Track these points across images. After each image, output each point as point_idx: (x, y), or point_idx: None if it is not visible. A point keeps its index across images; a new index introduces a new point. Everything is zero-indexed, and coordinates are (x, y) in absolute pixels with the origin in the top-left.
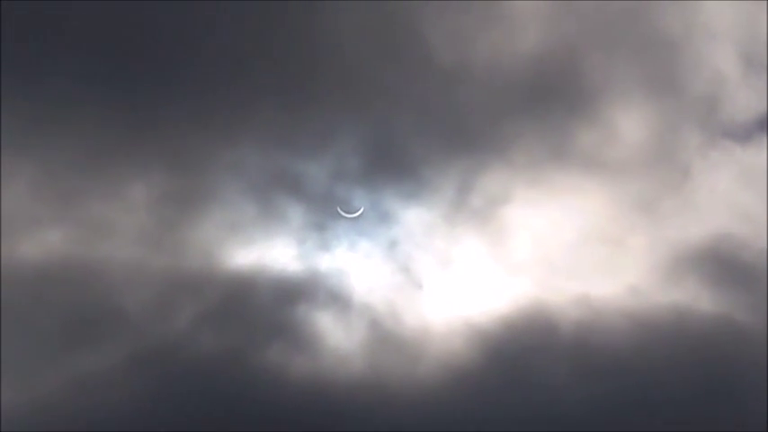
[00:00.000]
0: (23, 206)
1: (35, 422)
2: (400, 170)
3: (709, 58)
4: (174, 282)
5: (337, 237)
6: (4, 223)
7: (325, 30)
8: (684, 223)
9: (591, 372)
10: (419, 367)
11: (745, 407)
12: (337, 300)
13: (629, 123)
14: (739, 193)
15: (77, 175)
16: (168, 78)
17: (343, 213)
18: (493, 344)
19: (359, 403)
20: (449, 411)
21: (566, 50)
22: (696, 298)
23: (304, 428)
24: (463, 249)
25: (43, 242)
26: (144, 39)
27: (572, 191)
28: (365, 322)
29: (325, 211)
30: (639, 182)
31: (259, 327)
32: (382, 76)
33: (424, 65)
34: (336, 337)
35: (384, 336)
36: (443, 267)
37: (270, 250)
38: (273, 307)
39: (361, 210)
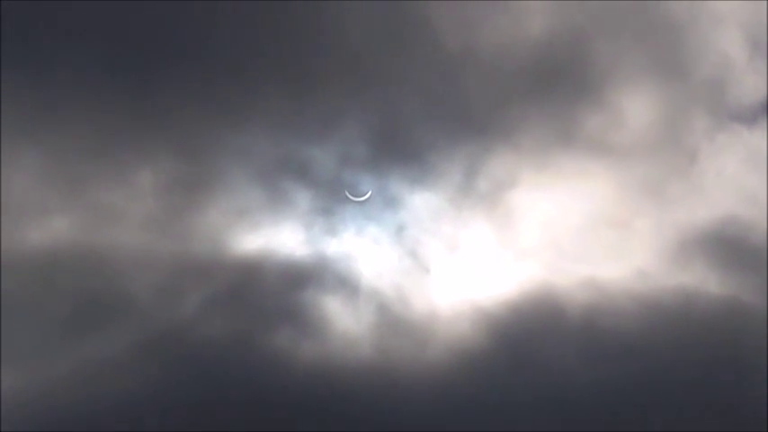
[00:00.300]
0: (31, 193)
1: (43, 408)
2: (407, 155)
3: (716, 42)
4: (182, 267)
5: (344, 222)
6: (12, 210)
7: (331, 16)
8: (691, 206)
9: (598, 354)
10: (427, 351)
11: (753, 388)
12: (345, 284)
13: (636, 107)
14: (746, 176)
15: (84, 161)
16: (175, 65)
17: (351, 197)
18: (500, 327)
19: (367, 387)
20: (457, 395)
21: (572, 35)
22: (703, 280)
23: (312, 413)
24: (470, 234)
25: (50, 229)
26: (151, 25)
27: (579, 175)
28: (373, 307)
29: (333, 197)
30: (646, 165)
31: (267, 312)
32: (389, 61)
33: (431, 50)
34: (344, 322)
35: (392, 320)
36: (451, 252)
37: (277, 235)
38: (281, 292)
39: (369, 193)
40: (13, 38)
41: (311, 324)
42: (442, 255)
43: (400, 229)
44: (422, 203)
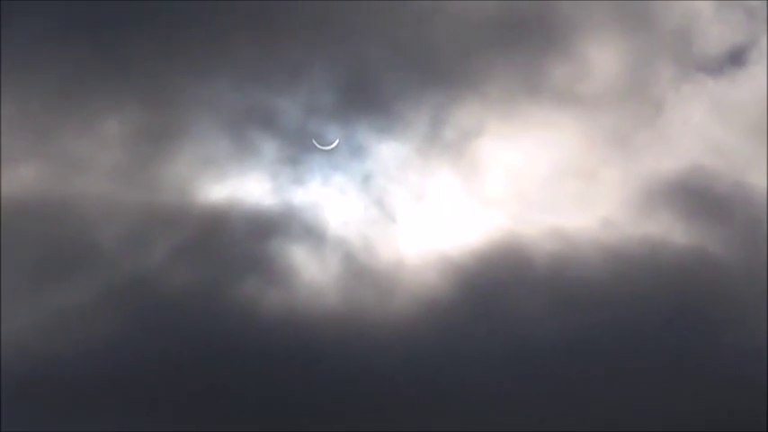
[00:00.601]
0: None
1: (9, 358)
2: (374, 105)
3: None
4: (148, 216)
5: (311, 171)
6: None
7: None
8: (657, 156)
9: (565, 304)
10: (393, 301)
11: (718, 338)
12: (311, 233)
13: (602, 57)
14: (712, 126)
15: (51, 110)
16: (141, 14)
17: (318, 146)
18: (467, 277)
19: (333, 336)
20: (423, 344)
21: None
22: (669, 230)
23: (279, 362)
24: (437, 183)
25: (17, 178)
26: None
27: (545, 125)
28: (339, 256)
29: (299, 146)
30: (612, 115)
31: (233, 261)
32: (355, 11)
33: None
34: (311, 271)
35: (358, 269)
36: (417, 201)
37: (244, 185)
38: (247, 241)
39: (337, 141)
40: None
41: (278, 273)
42: (409, 204)
43: (367, 179)
44: (388, 153)
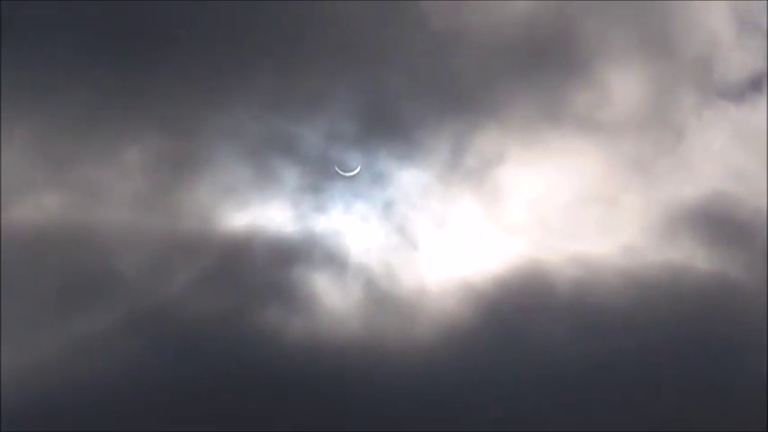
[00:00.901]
0: (19, 170)
1: (32, 384)
2: (395, 132)
3: (703, 19)
4: (170, 245)
5: (332, 198)
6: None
7: None
8: (679, 183)
9: (587, 331)
10: (415, 328)
11: (742, 364)
12: (333, 261)
13: (624, 84)
14: (734, 152)
15: (73, 139)
16: (162, 42)
17: (340, 172)
18: (489, 304)
19: (355, 364)
20: (445, 371)
21: (559, 12)
22: (691, 256)
23: (300, 390)
24: (458, 210)
25: (39, 206)
26: (139, 4)
27: (566, 152)
28: (361, 283)
29: (321, 173)
30: (634, 142)
31: (255, 289)
32: (376, 38)
33: (418, 27)
34: (332, 299)
35: (380, 296)
36: (439, 228)
37: (265, 212)
38: (269, 269)
39: (359, 168)
40: (3, 18)
41: (299, 300)
42: (430, 231)
43: (388, 206)
44: (410, 180)
